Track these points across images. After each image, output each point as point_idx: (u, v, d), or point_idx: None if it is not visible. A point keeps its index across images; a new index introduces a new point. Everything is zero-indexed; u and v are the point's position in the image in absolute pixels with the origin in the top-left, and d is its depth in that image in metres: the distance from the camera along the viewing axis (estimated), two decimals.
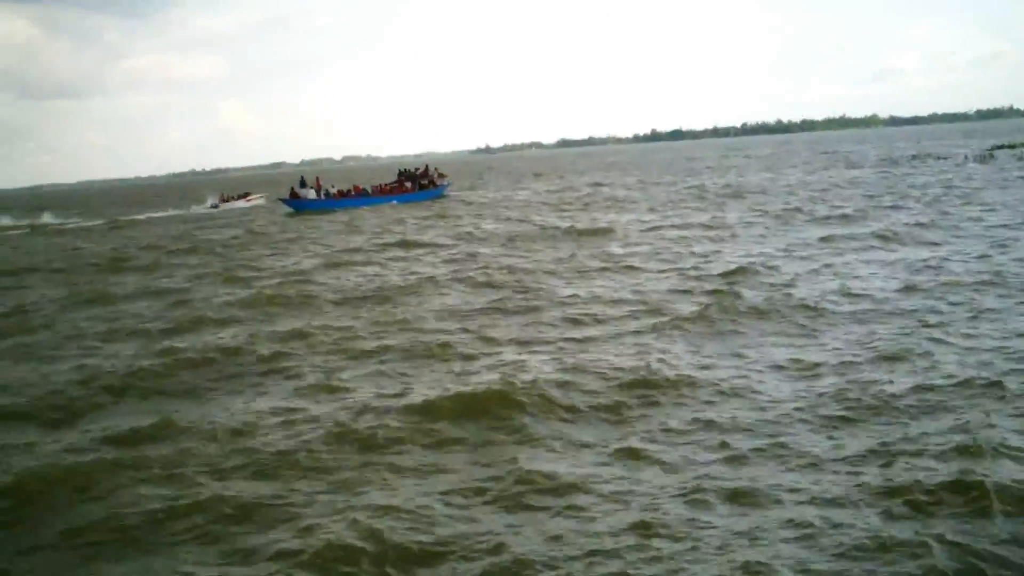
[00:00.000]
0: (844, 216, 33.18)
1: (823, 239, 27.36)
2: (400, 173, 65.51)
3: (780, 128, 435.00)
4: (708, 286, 20.38)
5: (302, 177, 63.16)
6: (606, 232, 33.03)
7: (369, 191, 63.14)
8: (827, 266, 22.51)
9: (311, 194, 61.66)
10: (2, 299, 26.33)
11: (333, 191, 62.63)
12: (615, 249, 28.49)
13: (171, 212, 75.18)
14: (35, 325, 21.38)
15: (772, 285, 20.09)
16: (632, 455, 10.68)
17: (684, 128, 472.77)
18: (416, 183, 64.00)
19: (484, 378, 13.59)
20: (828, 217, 33.37)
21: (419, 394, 13.08)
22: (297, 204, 61.44)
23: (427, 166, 66.64)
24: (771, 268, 22.37)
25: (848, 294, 18.80)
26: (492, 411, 12.19)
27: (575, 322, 17.73)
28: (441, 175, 66.21)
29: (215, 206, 77.05)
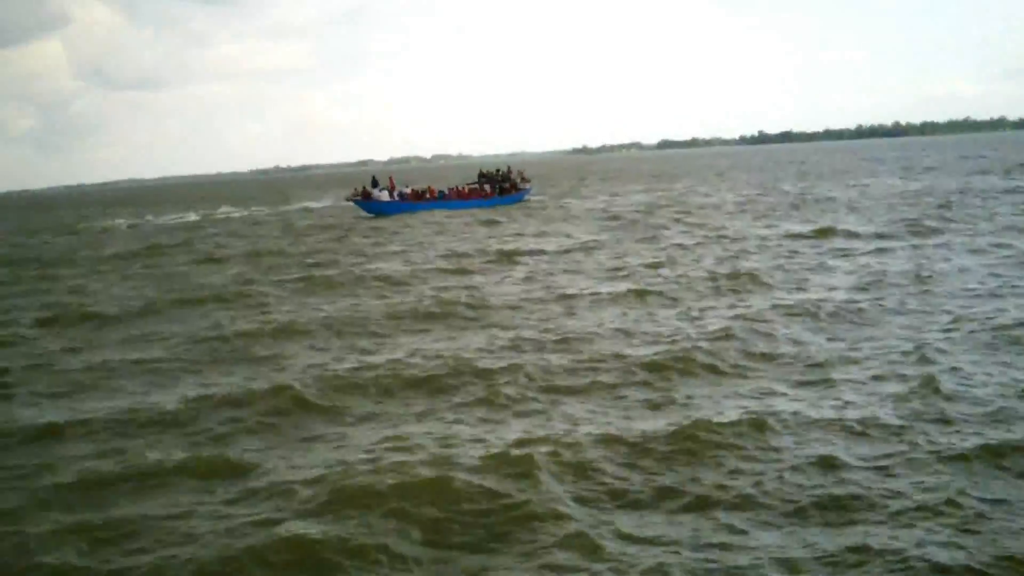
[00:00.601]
0: None
1: None
2: (480, 175, 61.24)
3: (898, 131, 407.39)
4: None
5: (373, 176, 59.34)
6: None
7: (446, 193, 58.97)
8: None
9: (384, 195, 57.71)
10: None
11: (407, 191, 58.59)
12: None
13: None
14: None
15: None
16: None
17: (794, 130, 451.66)
18: (496, 186, 59.64)
19: None
20: None
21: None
22: (369, 206, 57.55)
23: (509, 168, 62.30)
24: None
25: None
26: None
27: None
28: (524, 179, 61.81)
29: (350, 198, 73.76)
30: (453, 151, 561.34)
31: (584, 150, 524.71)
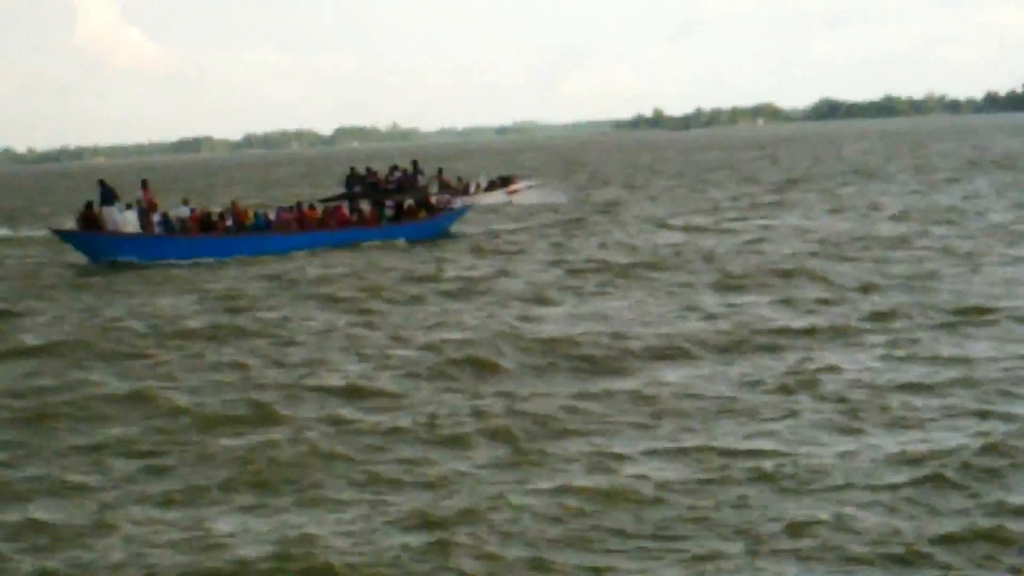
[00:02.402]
0: None
1: None
2: (351, 178, 28.77)
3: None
4: None
5: (102, 182, 26.71)
6: None
7: (271, 219, 26.80)
8: None
9: (127, 219, 25.66)
10: None
11: (186, 214, 26.35)
12: None
13: None
14: None
15: None
16: None
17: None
18: (381, 201, 27.58)
19: None
20: None
21: None
22: (93, 243, 25.61)
23: (415, 162, 29.56)
24: None
25: None
26: None
27: None
28: (450, 185, 29.49)
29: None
30: (367, 123, 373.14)
31: (646, 121, 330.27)
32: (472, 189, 35.74)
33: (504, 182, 37.03)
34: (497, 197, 34.44)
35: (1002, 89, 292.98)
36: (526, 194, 35.50)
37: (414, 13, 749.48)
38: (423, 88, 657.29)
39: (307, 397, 11.95)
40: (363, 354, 13.93)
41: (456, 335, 14.66)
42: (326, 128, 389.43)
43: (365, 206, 27.60)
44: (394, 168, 28.25)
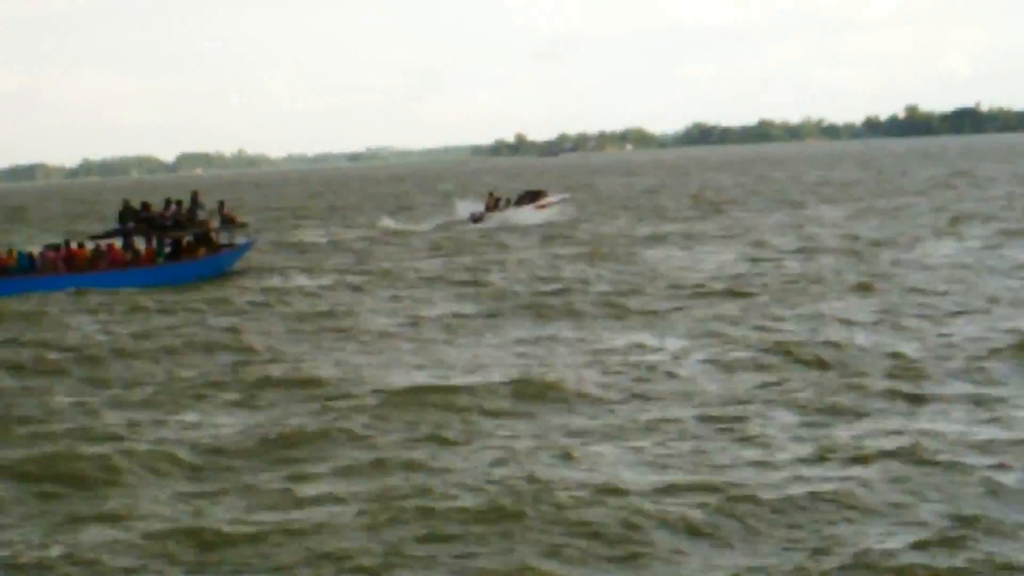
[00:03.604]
0: None
1: None
2: (123, 213, 27.25)
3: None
4: None
5: None
6: None
7: (35, 259, 25.23)
8: None
9: None
10: None
11: None
12: None
13: None
14: None
15: None
16: None
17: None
18: (161, 238, 26.29)
19: None
20: None
21: None
22: None
23: (195, 194, 28.22)
24: None
25: None
26: None
27: None
28: (233, 219, 28.31)
29: (476, 218, 40.02)
30: (226, 150, 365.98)
31: (507, 146, 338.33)
32: (502, 205, 36.91)
33: (532, 197, 38.19)
34: (526, 212, 36.03)
35: (883, 114, 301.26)
36: (556, 208, 37.24)
37: (262, 36, 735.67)
38: (272, 113, 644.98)
39: None
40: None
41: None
42: (168, 155, 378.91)
43: (140, 243, 26.23)
44: (170, 202, 26.92)
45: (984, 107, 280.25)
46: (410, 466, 10.19)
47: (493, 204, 39.93)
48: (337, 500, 9.30)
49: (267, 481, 10.10)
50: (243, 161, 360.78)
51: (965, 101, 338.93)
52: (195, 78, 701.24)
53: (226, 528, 8.68)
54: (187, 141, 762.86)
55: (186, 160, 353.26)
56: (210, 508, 9.32)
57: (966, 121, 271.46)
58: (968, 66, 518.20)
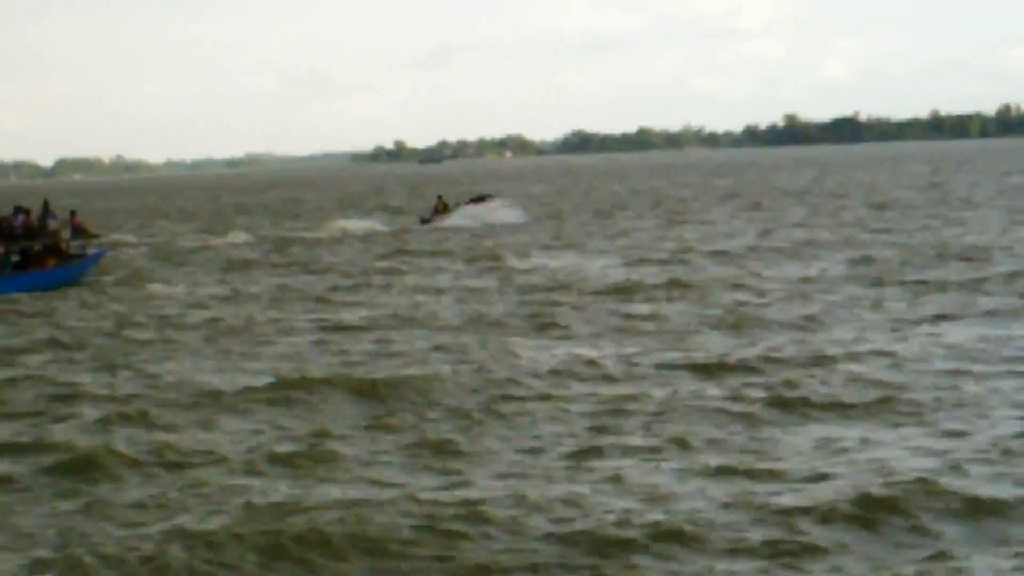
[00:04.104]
0: None
1: None
2: None
3: None
4: None
5: None
6: None
7: None
8: None
9: None
10: None
11: None
12: None
13: None
14: None
15: None
16: None
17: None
18: (8, 247, 25.34)
19: None
20: None
21: None
22: None
23: (46, 203, 27.15)
24: None
25: None
26: None
27: None
28: (84, 229, 27.41)
29: (425, 220, 41.66)
30: (108, 153, 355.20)
31: (387, 153, 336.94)
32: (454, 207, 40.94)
33: (478, 201, 42.23)
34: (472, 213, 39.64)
35: (762, 122, 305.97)
36: (499, 212, 37.36)
37: (140, 39, 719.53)
38: (150, 119, 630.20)
39: None
40: None
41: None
42: (47, 159, 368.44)
43: None
44: (19, 210, 25.98)
45: (863, 116, 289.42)
46: None
47: (443, 207, 41.03)
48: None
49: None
50: (121, 167, 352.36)
51: (845, 110, 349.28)
52: (72, 84, 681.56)
53: None
54: (65, 146, 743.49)
55: (64, 165, 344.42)
56: None
57: (845, 130, 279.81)
58: (847, 73, 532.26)
